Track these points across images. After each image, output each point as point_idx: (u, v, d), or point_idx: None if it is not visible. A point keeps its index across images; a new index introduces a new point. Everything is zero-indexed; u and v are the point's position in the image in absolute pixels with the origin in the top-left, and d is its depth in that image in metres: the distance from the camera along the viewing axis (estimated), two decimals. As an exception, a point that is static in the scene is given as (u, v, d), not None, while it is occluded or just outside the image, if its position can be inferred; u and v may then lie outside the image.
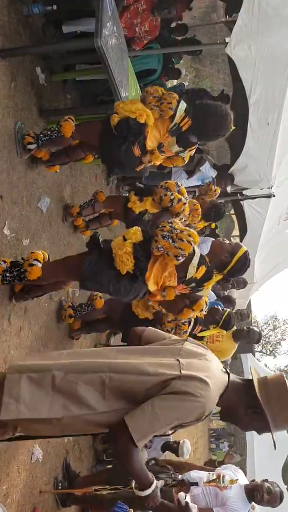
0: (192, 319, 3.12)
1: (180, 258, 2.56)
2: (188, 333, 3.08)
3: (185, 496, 2.42)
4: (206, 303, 2.95)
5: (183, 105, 2.98)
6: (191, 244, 2.57)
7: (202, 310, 2.91)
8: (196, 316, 3.14)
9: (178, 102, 2.96)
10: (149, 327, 2.00)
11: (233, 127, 3.16)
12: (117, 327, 4.10)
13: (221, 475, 2.83)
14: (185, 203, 2.86)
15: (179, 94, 3.10)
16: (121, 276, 2.55)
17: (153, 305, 3.00)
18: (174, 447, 4.12)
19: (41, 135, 3.04)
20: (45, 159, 3.19)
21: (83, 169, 4.30)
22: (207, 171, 5.69)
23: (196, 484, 2.73)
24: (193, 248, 2.67)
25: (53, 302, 3.51)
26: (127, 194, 5.68)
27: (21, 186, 3.05)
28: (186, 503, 2.36)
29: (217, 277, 2.78)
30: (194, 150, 3.19)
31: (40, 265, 2.61)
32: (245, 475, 3.60)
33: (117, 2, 3.36)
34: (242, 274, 3.01)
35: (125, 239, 2.58)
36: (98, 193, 3.86)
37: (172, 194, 2.82)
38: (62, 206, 3.78)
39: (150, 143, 2.95)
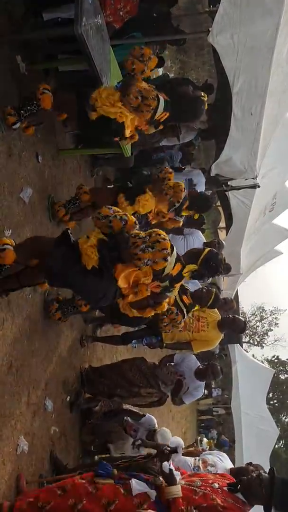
0: (184, 310, 3.13)
1: (168, 257, 2.53)
2: (183, 323, 3.08)
3: (169, 463, 2.48)
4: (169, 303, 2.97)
5: (162, 103, 3.11)
6: (166, 239, 2.53)
7: (163, 310, 2.87)
8: (187, 304, 3.17)
9: (158, 102, 3.09)
10: None
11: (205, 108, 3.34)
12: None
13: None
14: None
15: (160, 85, 3.19)
16: (87, 272, 2.49)
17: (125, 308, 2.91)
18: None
19: (22, 112, 3.05)
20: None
21: (66, 160, 4.25)
22: (195, 177, 5.70)
23: (175, 451, 2.79)
24: (171, 245, 2.65)
25: (37, 294, 3.49)
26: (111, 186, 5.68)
27: (2, 176, 3.01)
28: (170, 470, 2.42)
29: (190, 267, 2.78)
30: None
31: (11, 247, 2.57)
32: (233, 464, 3.66)
33: None
34: (217, 269, 3.01)
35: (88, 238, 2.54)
36: (82, 194, 3.83)
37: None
38: (45, 197, 3.74)
39: (129, 133, 3.10)
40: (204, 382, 4.40)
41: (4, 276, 2.73)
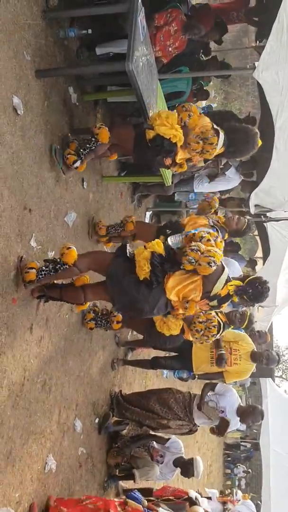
0: (222, 325, 3.17)
1: (213, 264, 2.59)
2: (216, 337, 3.12)
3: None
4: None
5: (222, 138, 3.22)
6: (217, 252, 2.63)
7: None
8: (224, 321, 3.25)
9: (218, 136, 3.21)
10: None
11: (260, 143, 3.36)
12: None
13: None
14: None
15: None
16: (140, 282, 2.66)
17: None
18: (186, 463, 4.10)
19: (81, 150, 3.23)
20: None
21: (109, 186, 4.40)
22: (233, 175, 5.71)
23: (210, 498, 2.76)
24: (223, 265, 2.75)
25: (74, 314, 3.58)
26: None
27: (49, 200, 3.16)
28: (196, 498, 2.40)
29: (236, 282, 2.89)
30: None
31: (75, 248, 2.76)
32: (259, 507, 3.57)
33: (148, 24, 3.48)
34: (262, 292, 3.04)
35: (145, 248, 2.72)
36: (128, 223, 3.94)
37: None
38: (87, 221, 3.88)
39: (180, 157, 3.25)
40: None
41: (51, 284, 2.92)
